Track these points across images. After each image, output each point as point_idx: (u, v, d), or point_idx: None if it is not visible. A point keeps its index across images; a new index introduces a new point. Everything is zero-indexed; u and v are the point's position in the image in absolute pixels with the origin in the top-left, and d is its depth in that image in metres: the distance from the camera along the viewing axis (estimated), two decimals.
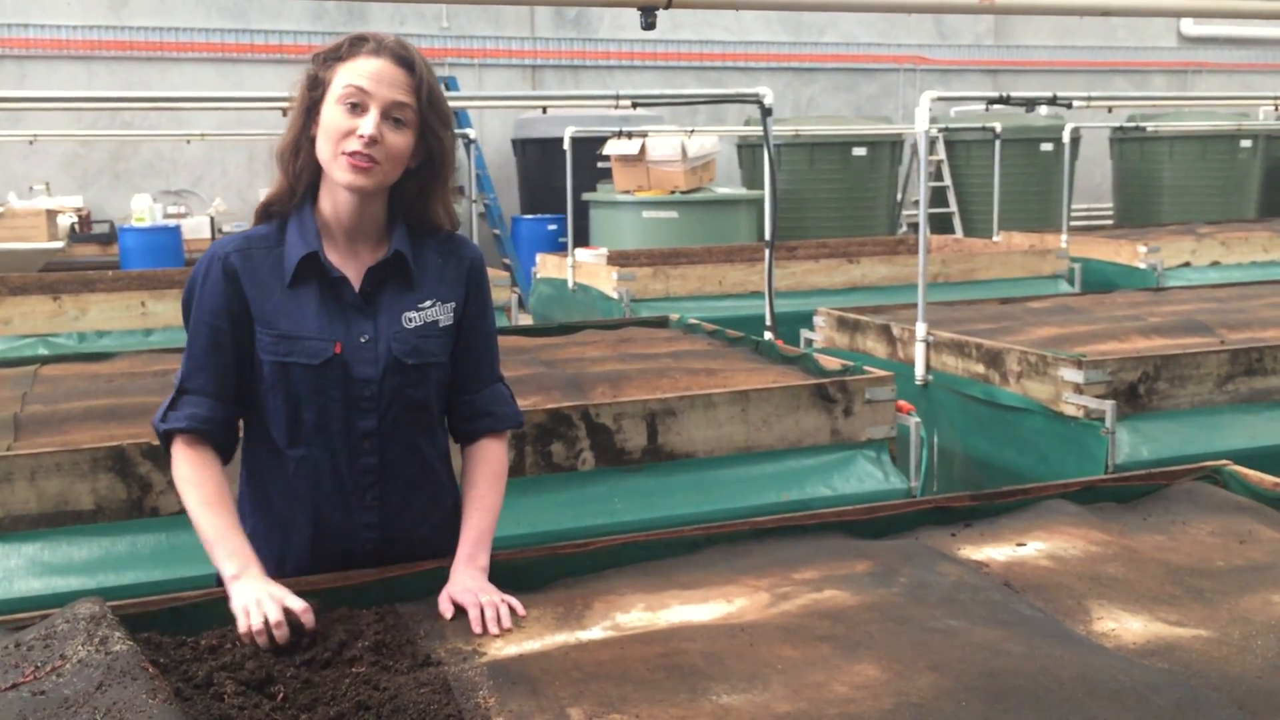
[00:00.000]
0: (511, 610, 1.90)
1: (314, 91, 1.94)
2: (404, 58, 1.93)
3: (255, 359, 1.98)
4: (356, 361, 1.96)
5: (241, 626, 1.77)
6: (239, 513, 2.06)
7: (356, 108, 1.89)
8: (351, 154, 1.89)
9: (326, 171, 1.94)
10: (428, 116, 1.94)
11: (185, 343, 2.02)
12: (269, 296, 1.96)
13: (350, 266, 2.00)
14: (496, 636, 1.84)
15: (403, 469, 2.04)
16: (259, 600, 1.78)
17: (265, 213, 2.02)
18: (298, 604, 1.79)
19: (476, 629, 1.85)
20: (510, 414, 2.15)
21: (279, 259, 1.98)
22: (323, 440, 1.98)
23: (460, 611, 1.91)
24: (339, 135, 1.90)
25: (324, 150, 1.92)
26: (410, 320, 2.00)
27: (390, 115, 1.91)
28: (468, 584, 1.94)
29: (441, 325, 2.03)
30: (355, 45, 1.94)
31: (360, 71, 1.90)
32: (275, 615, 1.76)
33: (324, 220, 2.00)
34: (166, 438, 1.98)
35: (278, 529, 2.04)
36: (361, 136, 1.88)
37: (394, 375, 1.98)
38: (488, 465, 2.10)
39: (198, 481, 1.93)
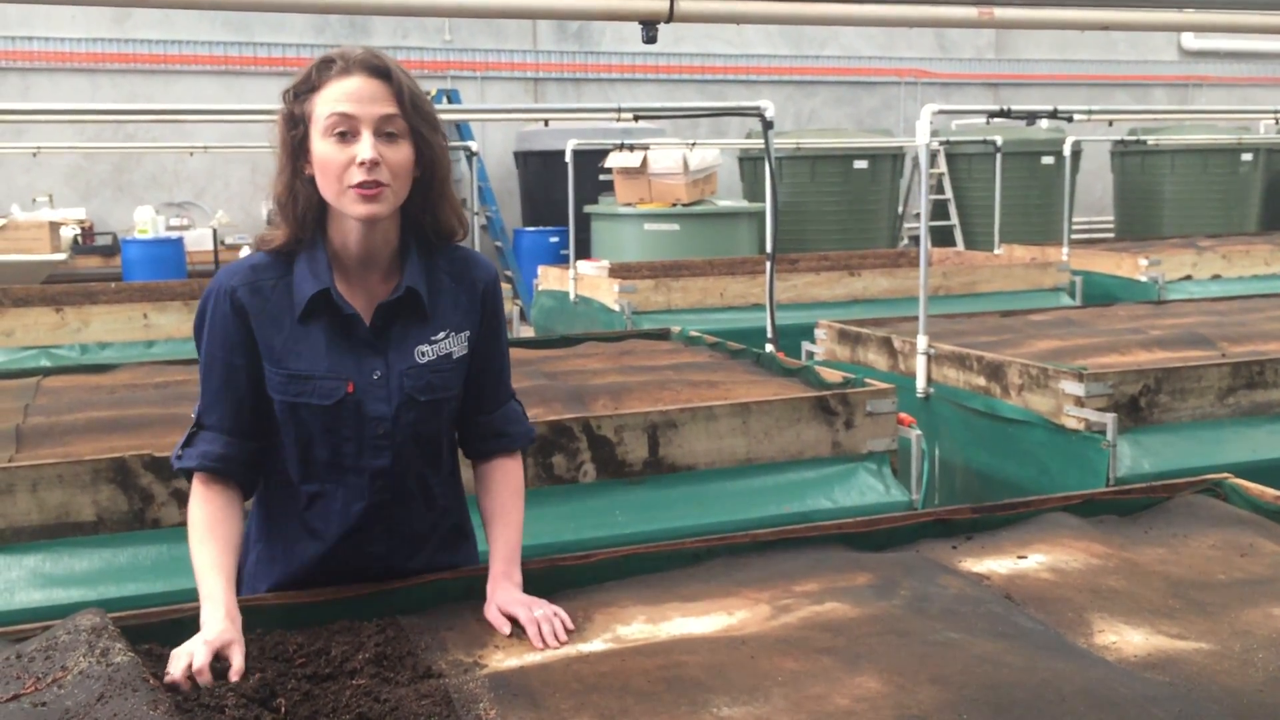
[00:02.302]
0: (562, 623, 1.89)
1: (295, 130, 1.85)
2: (377, 68, 1.84)
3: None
4: (369, 399, 1.92)
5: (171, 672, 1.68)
6: (248, 536, 2.04)
7: (346, 135, 1.81)
8: (358, 185, 1.81)
9: (336, 207, 1.87)
10: (414, 121, 1.85)
11: (189, 355, 2.02)
12: (278, 333, 1.90)
13: (361, 298, 1.94)
14: (497, 649, 1.84)
15: (411, 501, 2.02)
16: (189, 651, 1.69)
17: (272, 252, 1.94)
18: (234, 661, 1.70)
19: (537, 644, 1.84)
20: (523, 432, 2.13)
21: (287, 290, 1.91)
22: (335, 477, 1.95)
23: (491, 624, 1.91)
24: (339, 169, 1.81)
25: (328, 189, 1.85)
26: (423, 355, 1.95)
27: (382, 131, 1.83)
28: (516, 595, 1.93)
29: (455, 357, 1.98)
30: (324, 70, 1.84)
31: (338, 95, 1.82)
32: (178, 672, 1.66)
33: (334, 251, 1.92)
34: (185, 474, 1.96)
35: (283, 556, 2.02)
36: (362, 163, 1.80)
37: (407, 412, 1.94)
38: (508, 482, 2.09)
39: (194, 519, 1.91)
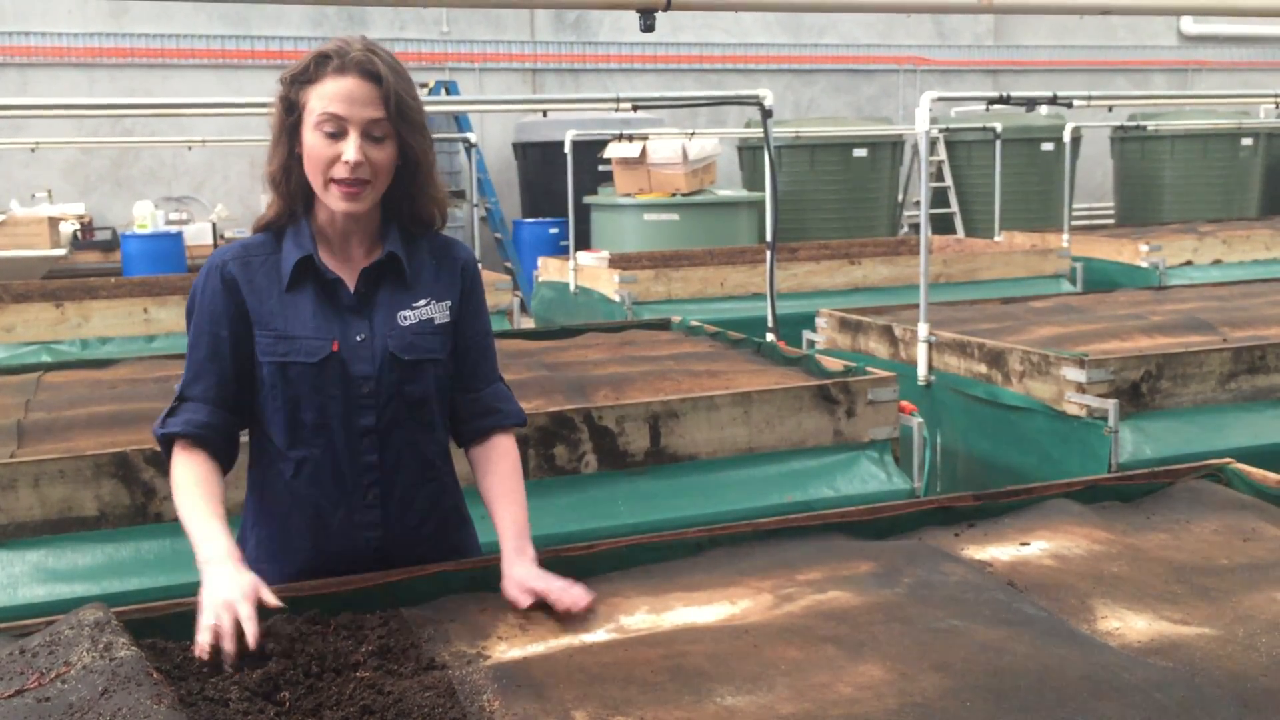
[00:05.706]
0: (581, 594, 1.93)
1: (290, 116, 1.96)
2: (370, 71, 1.92)
3: (255, 364, 1.99)
4: (354, 359, 1.99)
5: (198, 647, 1.71)
6: (244, 524, 2.08)
7: (335, 134, 1.91)
8: (340, 181, 1.92)
9: (320, 197, 1.98)
10: (398, 125, 1.95)
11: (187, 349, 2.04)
12: (266, 301, 2.00)
13: (345, 269, 2.04)
14: (501, 640, 1.84)
15: (404, 466, 2.05)
16: (217, 607, 1.72)
17: (265, 227, 2.06)
18: (269, 599, 1.77)
19: (561, 606, 1.88)
20: (515, 411, 2.18)
21: (276, 264, 2.02)
22: (323, 439, 2.00)
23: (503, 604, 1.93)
24: (324, 164, 1.92)
25: (314, 178, 1.95)
26: (405, 318, 2.03)
27: (369, 134, 1.93)
28: (534, 571, 1.96)
29: (438, 322, 2.06)
30: (321, 64, 1.93)
31: (331, 95, 1.91)
32: (230, 641, 1.69)
33: (319, 227, 2.04)
34: (166, 443, 1.99)
35: (280, 535, 2.05)
36: (347, 163, 1.91)
37: (391, 371, 2.01)
38: (507, 459, 2.12)
39: (184, 479, 1.94)
